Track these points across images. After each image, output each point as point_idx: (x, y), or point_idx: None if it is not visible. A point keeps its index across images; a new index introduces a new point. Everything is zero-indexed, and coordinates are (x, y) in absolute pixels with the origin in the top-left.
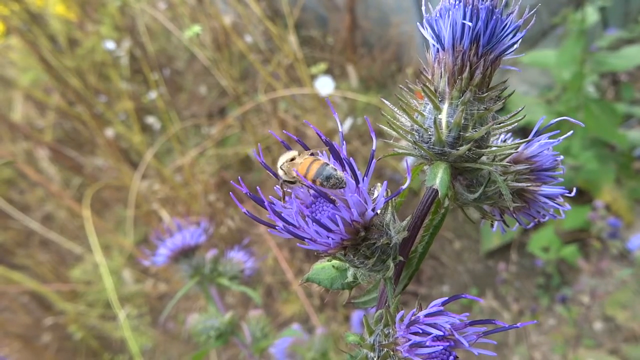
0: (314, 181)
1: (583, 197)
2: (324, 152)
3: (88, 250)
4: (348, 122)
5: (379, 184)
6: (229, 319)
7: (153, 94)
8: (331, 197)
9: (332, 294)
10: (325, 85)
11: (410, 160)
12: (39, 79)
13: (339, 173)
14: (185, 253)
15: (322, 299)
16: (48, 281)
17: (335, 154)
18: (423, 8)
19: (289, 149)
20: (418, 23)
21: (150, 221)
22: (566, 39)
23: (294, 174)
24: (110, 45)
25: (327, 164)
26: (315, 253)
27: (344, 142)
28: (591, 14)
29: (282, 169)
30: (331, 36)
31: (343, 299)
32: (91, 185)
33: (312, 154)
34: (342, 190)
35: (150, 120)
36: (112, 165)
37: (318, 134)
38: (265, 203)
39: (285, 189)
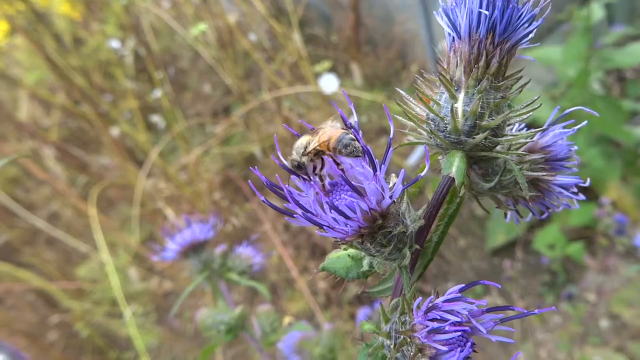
0: (335, 148)
1: (589, 194)
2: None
3: (94, 248)
4: (355, 117)
5: (393, 175)
6: (239, 313)
7: (158, 93)
8: (353, 183)
9: (337, 292)
10: (329, 83)
11: (415, 156)
12: (44, 78)
13: (356, 143)
14: (195, 248)
15: (328, 296)
16: (54, 279)
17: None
18: None
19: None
20: (435, 12)
21: (156, 219)
22: (572, 36)
23: (313, 147)
24: (115, 44)
25: (347, 133)
26: (333, 241)
27: (360, 131)
28: (597, 11)
29: (304, 145)
30: (335, 34)
31: (348, 297)
32: (97, 183)
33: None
34: (359, 178)
35: (155, 118)
36: (118, 163)
37: (342, 118)
38: (285, 191)
39: (302, 175)
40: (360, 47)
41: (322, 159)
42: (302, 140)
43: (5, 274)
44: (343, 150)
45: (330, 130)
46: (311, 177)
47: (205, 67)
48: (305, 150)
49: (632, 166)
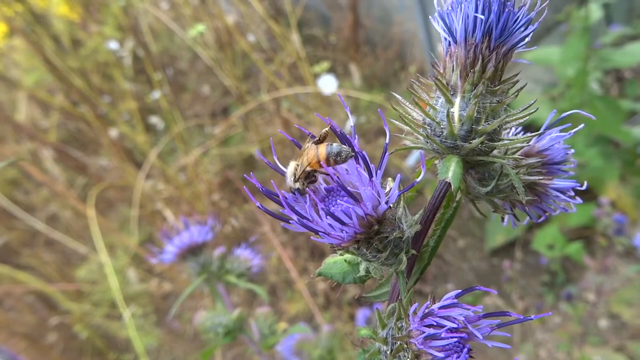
0: (327, 161)
1: (588, 194)
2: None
3: (93, 250)
4: (351, 121)
5: (389, 179)
6: (236, 316)
7: (156, 94)
8: (348, 189)
9: (337, 293)
10: (328, 84)
11: (414, 157)
12: (43, 80)
13: (345, 146)
14: (193, 250)
15: (327, 297)
16: (53, 281)
17: (348, 146)
18: (435, 1)
19: (299, 147)
20: (430, 16)
21: (155, 221)
22: (570, 36)
23: (307, 168)
24: (113, 45)
25: (331, 143)
26: (330, 246)
27: (356, 136)
28: (595, 11)
29: (293, 173)
30: (334, 35)
31: (348, 298)
32: (95, 185)
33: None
34: (355, 184)
35: (154, 120)
36: (116, 165)
37: (333, 127)
38: (280, 197)
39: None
40: (359, 48)
41: (316, 177)
42: (291, 168)
43: (4, 276)
44: (338, 159)
45: (314, 148)
46: (307, 192)
47: (204, 68)
48: (295, 178)
49: (630, 166)
